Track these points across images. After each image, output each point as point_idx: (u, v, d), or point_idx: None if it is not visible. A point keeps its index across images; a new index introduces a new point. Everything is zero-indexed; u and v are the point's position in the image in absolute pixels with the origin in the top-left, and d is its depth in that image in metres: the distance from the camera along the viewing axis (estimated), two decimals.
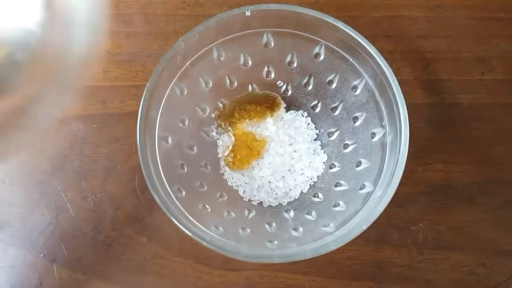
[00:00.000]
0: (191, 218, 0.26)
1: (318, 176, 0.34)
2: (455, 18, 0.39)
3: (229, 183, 0.34)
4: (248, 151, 0.34)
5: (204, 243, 0.24)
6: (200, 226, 0.26)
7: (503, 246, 0.34)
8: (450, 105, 0.37)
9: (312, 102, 0.34)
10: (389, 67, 0.28)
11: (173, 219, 0.25)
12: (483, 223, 0.35)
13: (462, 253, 0.34)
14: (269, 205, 0.33)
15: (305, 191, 0.33)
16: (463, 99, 0.37)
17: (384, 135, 0.29)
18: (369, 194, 0.28)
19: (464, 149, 0.36)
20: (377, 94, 0.29)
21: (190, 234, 0.24)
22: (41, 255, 0.34)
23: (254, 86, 0.35)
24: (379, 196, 0.27)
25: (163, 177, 0.27)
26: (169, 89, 0.30)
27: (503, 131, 0.36)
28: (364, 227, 0.26)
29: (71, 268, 0.33)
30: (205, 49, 0.30)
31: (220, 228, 0.27)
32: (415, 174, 0.35)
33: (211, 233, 0.26)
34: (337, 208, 0.30)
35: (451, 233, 0.34)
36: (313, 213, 0.31)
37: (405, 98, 0.28)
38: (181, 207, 0.26)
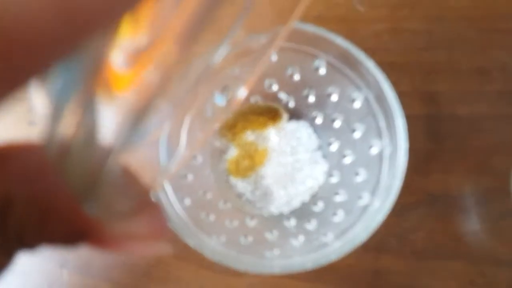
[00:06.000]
0: (194, 229, 0.27)
1: (318, 186, 0.34)
2: (455, 29, 0.39)
3: (232, 191, 0.35)
4: (251, 161, 0.35)
5: (206, 255, 0.25)
6: (202, 236, 0.27)
7: (503, 256, 0.34)
8: (449, 116, 0.37)
9: (313, 113, 0.35)
10: (387, 81, 0.29)
11: (178, 232, 0.26)
12: (482, 233, 0.35)
13: (462, 263, 0.34)
14: (271, 214, 0.34)
15: (306, 200, 0.34)
16: (463, 110, 0.37)
17: (382, 148, 0.30)
18: (367, 205, 0.29)
19: (463, 159, 0.36)
20: (375, 107, 0.30)
21: (193, 246, 0.25)
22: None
23: (257, 97, 0.35)
24: (378, 207, 0.28)
25: (167, 187, 0.28)
26: None
27: (503, 142, 0.37)
28: (364, 238, 0.27)
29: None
30: None
31: (222, 237, 0.28)
32: (413, 184, 0.36)
33: (213, 243, 0.27)
34: (336, 218, 0.30)
35: (451, 242, 0.35)
36: (313, 222, 0.32)
37: (404, 110, 0.28)
38: (184, 218, 0.27)
